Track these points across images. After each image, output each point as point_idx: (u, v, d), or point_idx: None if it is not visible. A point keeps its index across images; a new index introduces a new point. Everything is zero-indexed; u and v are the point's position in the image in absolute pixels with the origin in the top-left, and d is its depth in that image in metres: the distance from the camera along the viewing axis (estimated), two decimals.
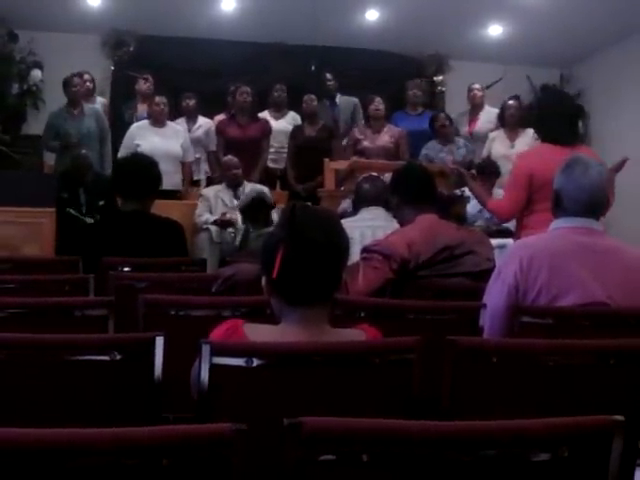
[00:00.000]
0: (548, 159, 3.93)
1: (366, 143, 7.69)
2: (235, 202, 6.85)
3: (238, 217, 6.61)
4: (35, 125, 9.00)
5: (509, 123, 7.71)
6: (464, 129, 8.38)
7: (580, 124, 4.40)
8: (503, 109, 7.85)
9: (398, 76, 9.37)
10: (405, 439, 1.33)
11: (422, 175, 3.81)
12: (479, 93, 8.52)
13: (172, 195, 7.17)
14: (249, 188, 6.99)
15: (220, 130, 7.88)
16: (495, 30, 9.93)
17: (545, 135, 4.38)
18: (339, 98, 8.66)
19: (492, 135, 7.91)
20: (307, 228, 2.00)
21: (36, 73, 9.11)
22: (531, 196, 4.23)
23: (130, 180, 4.16)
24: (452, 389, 2.03)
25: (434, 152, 7.66)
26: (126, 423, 1.31)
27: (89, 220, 6.41)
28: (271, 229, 2.19)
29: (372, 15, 9.56)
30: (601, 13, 8.72)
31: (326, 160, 6.91)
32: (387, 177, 4.53)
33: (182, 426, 1.30)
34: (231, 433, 1.28)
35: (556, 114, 4.32)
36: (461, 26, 9.41)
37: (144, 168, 4.26)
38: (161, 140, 7.35)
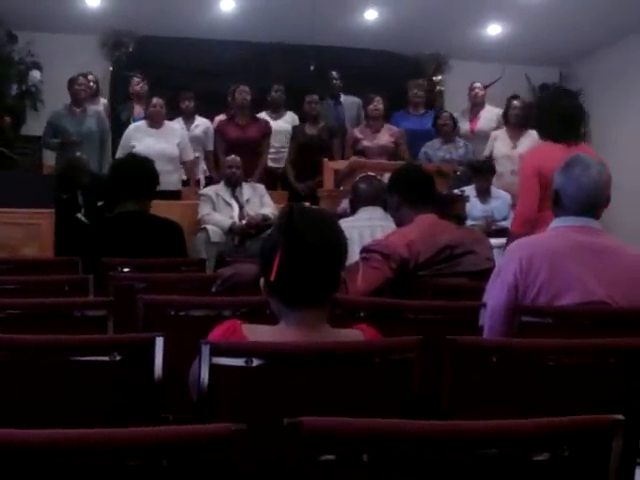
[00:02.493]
0: (551, 157, 3.94)
1: (366, 143, 7.71)
2: (233, 201, 6.86)
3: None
4: (34, 126, 8.99)
5: (513, 122, 7.72)
6: (465, 127, 8.39)
7: (579, 123, 4.41)
8: (507, 108, 7.86)
9: (397, 76, 9.37)
10: (405, 439, 1.33)
11: (421, 175, 3.81)
12: (480, 92, 8.55)
13: (170, 195, 7.17)
14: (247, 188, 7.00)
15: (220, 131, 7.87)
16: (494, 29, 9.92)
17: (544, 134, 4.41)
18: (343, 98, 8.66)
19: (494, 134, 7.92)
20: (305, 231, 2.00)
21: (35, 74, 9.11)
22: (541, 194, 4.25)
23: (128, 181, 4.16)
24: (452, 388, 2.03)
25: (432, 150, 7.69)
26: (126, 424, 1.31)
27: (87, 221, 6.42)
28: (269, 231, 2.18)
29: (371, 15, 9.56)
30: (600, 11, 8.72)
31: (325, 160, 6.91)
32: (386, 177, 4.54)
33: (182, 426, 1.30)
34: (231, 433, 1.28)
35: (552, 113, 4.35)
36: (460, 25, 9.41)
37: (141, 168, 4.26)
38: (155, 141, 7.34)
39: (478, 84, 8.61)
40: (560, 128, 4.27)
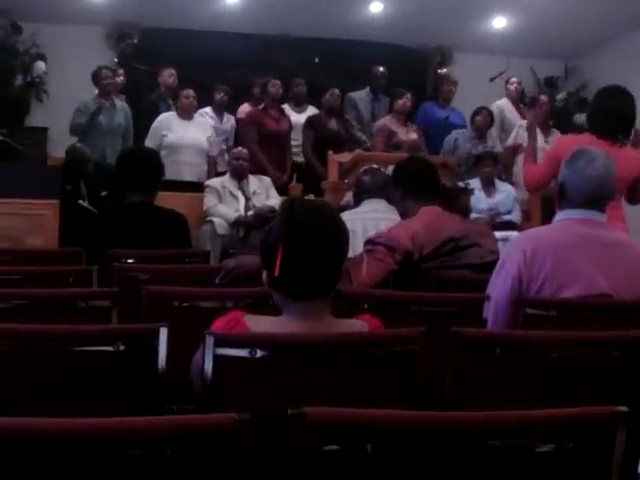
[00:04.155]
0: (577, 145, 3.91)
1: (402, 136, 7.68)
2: (239, 193, 6.85)
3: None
4: (38, 117, 9.01)
5: (542, 118, 7.70)
6: (519, 121, 8.31)
7: (629, 124, 4.32)
8: (533, 103, 7.85)
9: (402, 68, 9.35)
10: (409, 429, 1.33)
11: (425, 167, 3.80)
12: (519, 87, 8.59)
13: (197, 187, 7.17)
14: (253, 180, 6.99)
15: (253, 121, 7.79)
16: (499, 22, 9.91)
17: (592, 126, 4.32)
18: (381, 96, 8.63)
19: (520, 123, 7.90)
20: (307, 224, 1.99)
21: (40, 65, 9.11)
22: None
23: (133, 172, 4.16)
24: (456, 380, 2.03)
25: (463, 140, 7.66)
26: (130, 414, 1.31)
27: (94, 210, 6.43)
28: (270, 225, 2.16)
29: (376, 7, 9.55)
30: (606, 4, 8.70)
31: (329, 152, 6.90)
32: (390, 169, 4.53)
33: (186, 416, 1.30)
34: (235, 423, 1.28)
35: (608, 108, 4.25)
36: (465, 18, 9.40)
37: (147, 159, 4.27)
38: (187, 132, 7.36)
39: (515, 79, 8.62)
40: (610, 124, 4.17)
